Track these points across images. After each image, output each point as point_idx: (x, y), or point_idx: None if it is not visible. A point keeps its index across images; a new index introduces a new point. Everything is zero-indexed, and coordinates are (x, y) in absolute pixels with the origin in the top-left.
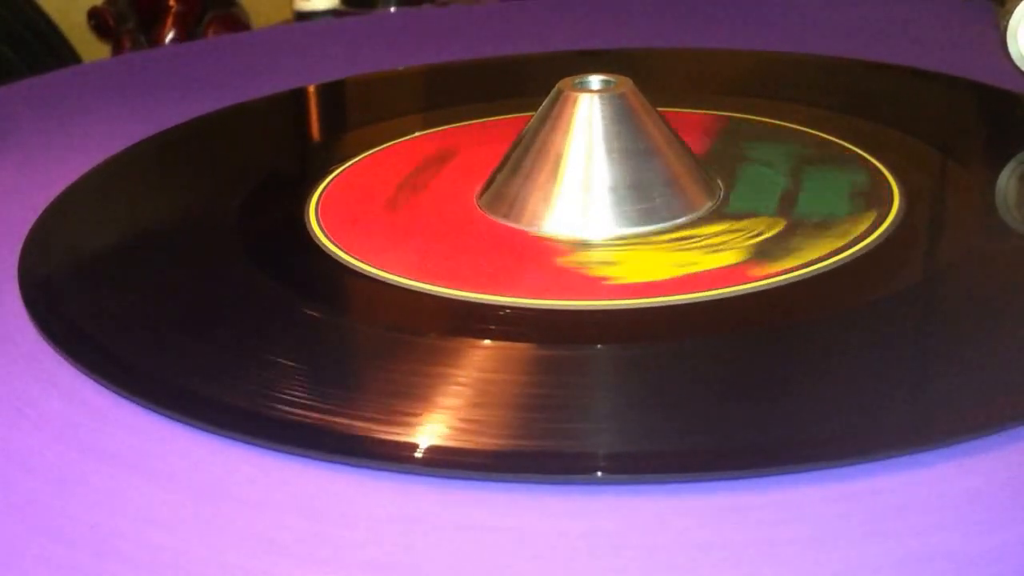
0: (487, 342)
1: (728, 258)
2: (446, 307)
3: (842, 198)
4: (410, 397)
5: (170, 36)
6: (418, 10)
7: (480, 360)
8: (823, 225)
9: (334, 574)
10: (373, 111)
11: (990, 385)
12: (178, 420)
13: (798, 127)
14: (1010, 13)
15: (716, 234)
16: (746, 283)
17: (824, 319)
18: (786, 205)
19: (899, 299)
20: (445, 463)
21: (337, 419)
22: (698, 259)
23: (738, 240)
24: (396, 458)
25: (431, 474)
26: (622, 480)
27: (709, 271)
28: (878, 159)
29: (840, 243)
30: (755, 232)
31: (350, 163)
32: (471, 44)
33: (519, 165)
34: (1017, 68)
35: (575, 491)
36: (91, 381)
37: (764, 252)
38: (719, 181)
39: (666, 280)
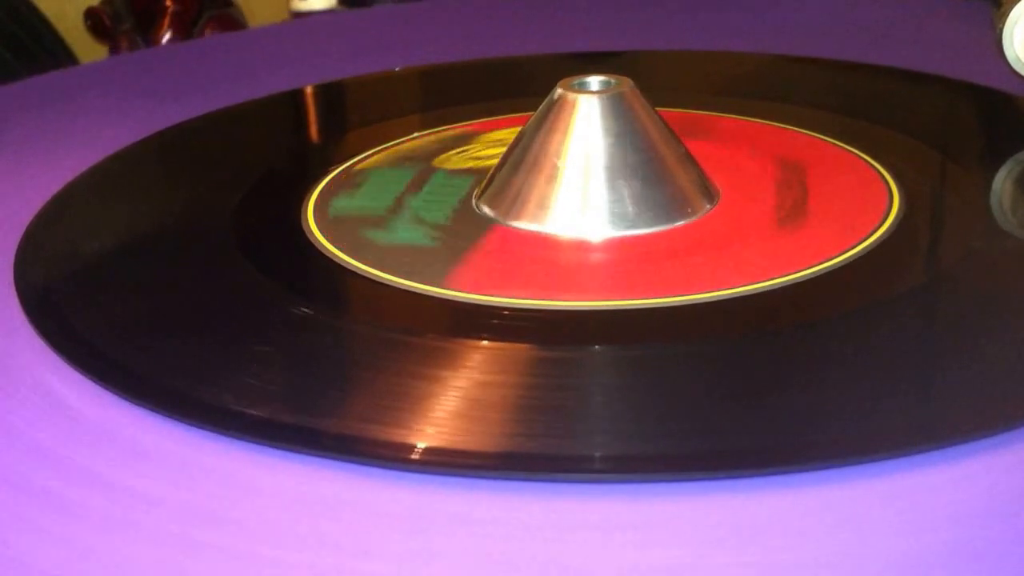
0: (486, 343)
1: None
2: (444, 308)
3: None
4: (408, 397)
5: (167, 36)
6: (417, 6)
7: (479, 361)
8: None
9: (331, 572)
10: (372, 111)
11: (991, 386)
12: (175, 420)
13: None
14: (1006, 15)
15: None
16: (746, 284)
17: (824, 320)
18: None
19: (899, 301)
20: (443, 463)
21: (334, 419)
22: None
23: None
24: (394, 458)
25: (429, 473)
26: (620, 480)
27: None
28: (877, 160)
29: (840, 245)
30: None
31: (348, 163)
32: (471, 43)
33: (518, 165)
34: (1012, 70)
35: (574, 492)
36: (88, 382)
37: None
38: (714, 182)
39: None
